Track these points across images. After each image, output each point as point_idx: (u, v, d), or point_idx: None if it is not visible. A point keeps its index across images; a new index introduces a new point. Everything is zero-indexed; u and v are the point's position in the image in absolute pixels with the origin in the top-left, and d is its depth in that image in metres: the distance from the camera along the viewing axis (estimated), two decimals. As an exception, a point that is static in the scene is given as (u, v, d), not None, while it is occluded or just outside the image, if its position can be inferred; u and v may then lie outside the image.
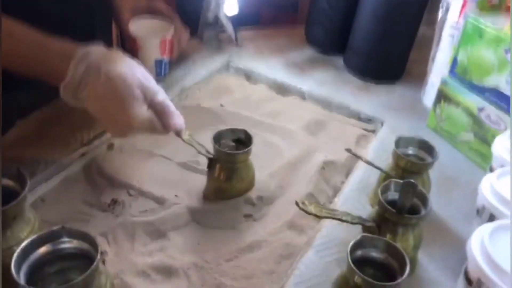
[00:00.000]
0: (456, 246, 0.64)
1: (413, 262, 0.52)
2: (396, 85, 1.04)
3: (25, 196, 0.51)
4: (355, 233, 0.62)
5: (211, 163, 0.69)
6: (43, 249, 0.48)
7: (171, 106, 0.65)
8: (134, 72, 0.62)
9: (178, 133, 0.67)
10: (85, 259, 0.49)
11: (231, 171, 0.68)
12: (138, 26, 0.88)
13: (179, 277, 0.60)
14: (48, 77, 0.61)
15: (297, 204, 0.51)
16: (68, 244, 0.49)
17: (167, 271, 0.61)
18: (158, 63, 0.90)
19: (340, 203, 0.70)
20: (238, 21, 1.13)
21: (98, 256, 0.45)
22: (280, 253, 0.63)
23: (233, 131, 0.71)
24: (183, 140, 0.68)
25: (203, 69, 1.02)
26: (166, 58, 0.91)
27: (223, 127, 0.89)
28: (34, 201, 0.68)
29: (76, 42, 0.62)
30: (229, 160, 0.68)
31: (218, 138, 0.69)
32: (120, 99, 0.60)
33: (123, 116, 0.61)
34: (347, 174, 0.79)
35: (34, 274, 0.48)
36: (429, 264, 0.60)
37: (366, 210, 0.69)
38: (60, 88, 0.60)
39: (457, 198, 0.73)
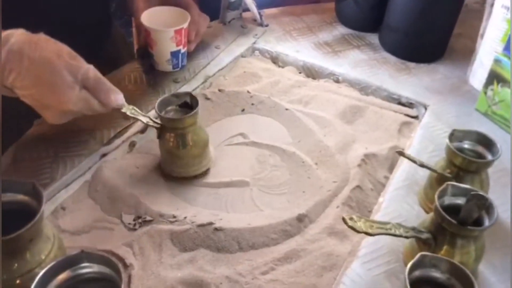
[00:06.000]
0: (520, 252, 0.57)
1: (474, 275, 0.45)
2: (438, 64, 0.95)
3: (41, 216, 0.46)
4: (404, 239, 0.56)
5: (160, 132, 0.66)
6: (62, 276, 0.44)
7: (106, 82, 0.62)
8: (60, 53, 0.58)
9: (119, 109, 0.63)
10: (108, 281, 0.45)
11: (180, 136, 0.66)
12: (151, 17, 0.81)
13: (212, 293, 0.55)
14: None
15: (344, 221, 0.45)
16: (89, 269, 0.45)
17: (198, 286, 0.56)
18: (174, 54, 0.84)
19: (386, 204, 0.63)
20: (260, 1, 1.04)
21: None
22: (321, 264, 0.57)
23: (177, 96, 0.68)
24: (126, 114, 0.64)
25: (227, 54, 0.95)
26: (182, 48, 0.85)
27: (251, 115, 0.83)
28: (54, 210, 0.64)
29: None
30: (176, 126, 0.65)
31: (162, 105, 0.66)
32: (48, 84, 0.57)
33: (55, 102, 0.58)
34: (391, 168, 0.72)
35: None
36: (491, 276, 0.53)
37: (415, 211, 0.62)
38: None
39: (516, 194, 0.65)
